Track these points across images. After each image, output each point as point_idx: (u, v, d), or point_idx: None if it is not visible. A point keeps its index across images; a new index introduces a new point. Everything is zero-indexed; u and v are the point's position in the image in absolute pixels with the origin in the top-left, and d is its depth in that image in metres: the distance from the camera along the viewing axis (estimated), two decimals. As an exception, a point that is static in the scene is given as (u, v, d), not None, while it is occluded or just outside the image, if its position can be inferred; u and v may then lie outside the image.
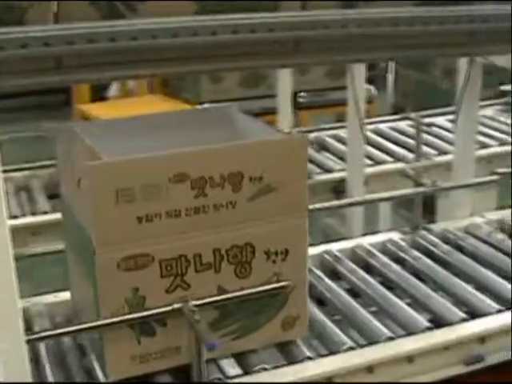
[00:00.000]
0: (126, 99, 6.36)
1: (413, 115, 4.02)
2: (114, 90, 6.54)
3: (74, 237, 2.01)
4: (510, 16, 2.05)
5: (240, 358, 2.00)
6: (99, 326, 1.84)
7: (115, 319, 1.83)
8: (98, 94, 6.55)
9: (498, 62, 2.55)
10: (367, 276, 2.43)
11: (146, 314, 1.85)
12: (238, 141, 2.03)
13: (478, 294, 2.32)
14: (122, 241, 1.78)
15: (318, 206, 2.65)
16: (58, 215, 3.13)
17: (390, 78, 7.92)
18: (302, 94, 6.00)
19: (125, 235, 1.78)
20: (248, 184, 1.85)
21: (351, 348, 2.03)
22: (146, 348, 1.88)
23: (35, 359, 2.00)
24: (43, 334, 1.90)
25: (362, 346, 2.06)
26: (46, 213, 3.26)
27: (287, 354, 2.03)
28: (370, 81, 3.82)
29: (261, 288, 1.94)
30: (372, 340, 2.08)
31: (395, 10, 1.91)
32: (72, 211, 1.98)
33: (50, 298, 2.32)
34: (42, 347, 2.05)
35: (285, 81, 3.95)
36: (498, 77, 3.76)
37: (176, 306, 1.84)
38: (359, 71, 3.26)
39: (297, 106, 5.19)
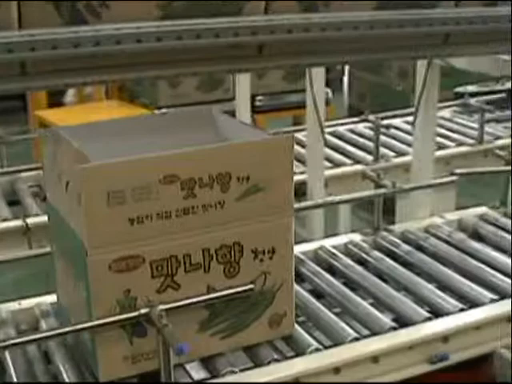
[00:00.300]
0: (83, 105, 6.33)
1: (371, 117, 4.06)
2: (70, 95, 6.50)
3: (64, 240, 2.01)
4: (467, 19, 2.09)
5: (207, 361, 2.01)
6: (90, 327, 1.85)
7: (86, 324, 1.85)
8: (55, 99, 6.50)
9: (455, 64, 2.58)
10: (330, 277, 2.45)
11: (109, 320, 1.85)
12: (225, 142, 2.06)
13: (440, 293, 2.35)
14: (114, 243, 1.79)
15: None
16: (18, 222, 3.13)
17: (346, 80, 7.99)
18: (260, 97, 6.01)
19: (116, 237, 1.79)
20: (236, 184, 1.88)
21: (317, 349, 2.05)
22: (138, 348, 1.89)
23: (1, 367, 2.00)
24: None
25: (327, 348, 2.07)
26: (5, 220, 3.23)
27: (254, 356, 2.04)
28: (325, 83, 3.85)
29: (226, 292, 1.95)
30: (337, 341, 2.09)
31: (356, 14, 1.93)
32: (60, 215, 1.97)
33: (14, 306, 2.29)
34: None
35: (244, 84, 3.96)
36: (456, 78, 3.81)
37: (143, 311, 1.84)
38: (318, 74, 3.28)
39: (253, 110, 5.20)
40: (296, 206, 2.99)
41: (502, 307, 2.30)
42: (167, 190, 1.80)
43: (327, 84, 3.96)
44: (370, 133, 4.11)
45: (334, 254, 2.61)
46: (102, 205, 1.74)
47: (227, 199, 1.88)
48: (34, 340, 1.92)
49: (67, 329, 1.89)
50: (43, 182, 2.16)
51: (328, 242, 2.73)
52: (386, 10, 1.97)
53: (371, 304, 2.29)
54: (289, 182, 1.98)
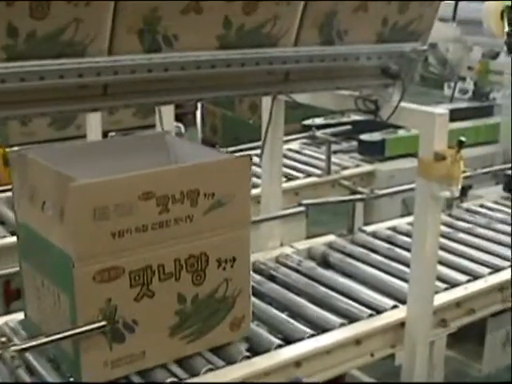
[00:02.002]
0: None
1: (222, 151, 4.11)
2: None
3: (41, 256, 2.09)
4: (306, 57, 2.19)
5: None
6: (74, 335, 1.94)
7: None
8: None
9: (298, 99, 2.67)
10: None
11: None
12: (182, 162, 2.25)
13: (292, 320, 2.43)
14: (98, 255, 1.91)
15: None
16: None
17: (199, 114, 8.07)
18: (112, 133, 5.97)
19: (100, 250, 1.91)
20: (203, 200, 2.05)
21: (172, 383, 2.08)
22: (117, 354, 2.00)
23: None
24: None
25: (182, 379, 2.10)
26: None
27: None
28: (178, 118, 3.88)
29: (82, 329, 1.95)
30: (193, 373, 2.12)
31: (197, 54, 1.99)
32: (36, 232, 2.06)
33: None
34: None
35: (95, 121, 3.95)
36: (304, 111, 3.91)
37: (-2, 352, 1.86)
38: (167, 110, 3.32)
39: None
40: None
41: (350, 331, 2.40)
42: (145, 206, 1.95)
43: (180, 119, 4.00)
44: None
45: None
46: (88, 220, 1.86)
47: (196, 213, 2.06)
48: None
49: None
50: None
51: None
52: (228, 50, 2.04)
53: (225, 335, 2.33)
54: (247, 197, 2.16)
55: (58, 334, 1.95)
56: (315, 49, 2.21)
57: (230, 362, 2.17)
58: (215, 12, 1.96)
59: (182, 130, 5.76)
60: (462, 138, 2.29)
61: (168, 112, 3.31)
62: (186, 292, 2.10)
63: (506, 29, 4.49)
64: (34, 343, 1.95)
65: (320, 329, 2.39)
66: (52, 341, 1.96)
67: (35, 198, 2.03)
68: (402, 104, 2.39)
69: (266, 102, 2.90)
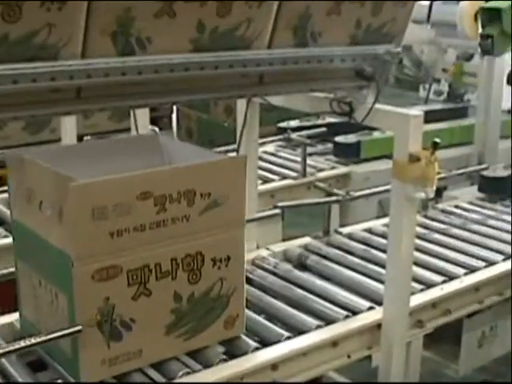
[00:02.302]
0: None
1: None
2: None
3: (39, 256, 2.10)
4: (280, 59, 2.19)
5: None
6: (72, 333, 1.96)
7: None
8: None
9: (273, 102, 2.67)
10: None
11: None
12: (176, 163, 2.26)
13: (268, 323, 2.43)
14: (97, 254, 1.92)
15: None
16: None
17: (174, 117, 8.05)
18: (87, 137, 5.94)
19: (99, 249, 1.93)
20: (199, 199, 2.10)
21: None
22: (115, 352, 2.04)
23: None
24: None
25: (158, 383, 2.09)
26: None
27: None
28: (154, 122, 3.87)
29: (54, 335, 1.97)
30: (169, 376, 2.11)
31: (171, 57, 1.98)
32: (34, 232, 2.07)
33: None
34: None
35: (69, 125, 3.93)
36: (280, 113, 3.91)
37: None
38: (142, 113, 3.31)
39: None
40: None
41: (327, 333, 2.40)
42: (143, 206, 1.96)
43: (155, 122, 3.98)
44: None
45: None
46: (87, 220, 1.88)
47: (192, 213, 2.09)
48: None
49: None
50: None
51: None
52: (202, 52, 2.03)
53: (202, 338, 2.33)
54: (242, 197, 2.18)
55: (56, 332, 1.97)
56: (289, 51, 2.21)
57: (206, 365, 2.17)
58: (188, 15, 1.95)
59: (157, 132, 5.75)
60: (437, 140, 2.30)
61: (143, 115, 3.30)
62: (182, 291, 2.12)
63: (480, 31, 4.52)
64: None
65: (296, 331, 2.39)
66: (51, 339, 1.97)
67: (32, 199, 2.05)
68: (377, 106, 2.39)
69: (241, 104, 2.90)
